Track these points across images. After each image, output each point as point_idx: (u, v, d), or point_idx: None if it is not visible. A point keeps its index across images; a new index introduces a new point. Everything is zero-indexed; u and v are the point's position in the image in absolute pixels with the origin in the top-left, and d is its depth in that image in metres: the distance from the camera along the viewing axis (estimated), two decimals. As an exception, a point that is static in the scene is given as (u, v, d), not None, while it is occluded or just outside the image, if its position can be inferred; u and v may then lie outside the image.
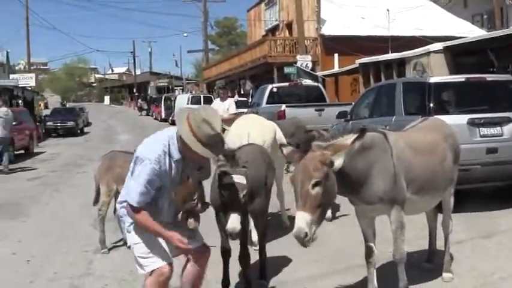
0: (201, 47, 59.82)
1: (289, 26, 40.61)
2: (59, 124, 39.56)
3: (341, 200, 6.75)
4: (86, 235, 9.15)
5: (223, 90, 16.95)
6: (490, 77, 11.08)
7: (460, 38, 22.37)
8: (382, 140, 5.25)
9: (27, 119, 25.99)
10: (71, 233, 9.52)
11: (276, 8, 43.39)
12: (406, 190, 5.32)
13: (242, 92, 43.77)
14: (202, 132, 4.32)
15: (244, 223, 5.57)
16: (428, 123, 6.45)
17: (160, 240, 4.57)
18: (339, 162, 4.70)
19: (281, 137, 8.76)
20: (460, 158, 6.43)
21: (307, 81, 24.45)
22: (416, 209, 5.81)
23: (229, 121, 15.16)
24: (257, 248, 6.83)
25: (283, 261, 7.22)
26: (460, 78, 10.67)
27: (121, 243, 8.38)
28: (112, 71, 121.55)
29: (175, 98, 48.17)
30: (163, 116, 49.02)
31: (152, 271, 4.54)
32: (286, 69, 32.31)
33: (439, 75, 14.66)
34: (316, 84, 23.72)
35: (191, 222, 4.77)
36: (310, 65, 32.05)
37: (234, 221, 5.21)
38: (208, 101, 32.86)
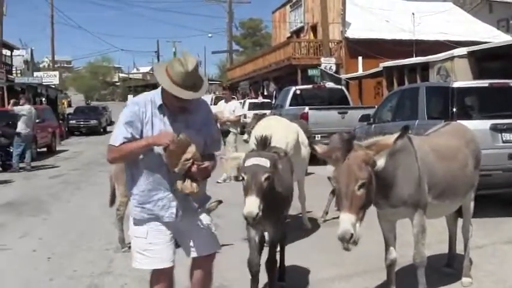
0: (226, 47, 60.11)
1: (313, 28, 40.57)
2: (82, 122, 39.99)
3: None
4: (107, 233, 9.15)
5: (226, 91, 16.98)
6: (513, 83, 10.98)
7: (485, 43, 22.22)
8: (407, 143, 5.22)
9: (50, 117, 26.21)
10: (92, 231, 9.57)
11: (301, 10, 43.37)
12: (428, 194, 5.30)
13: (266, 94, 43.78)
14: (175, 71, 4.13)
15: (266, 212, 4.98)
16: (451, 128, 6.41)
17: (161, 240, 4.39)
18: (381, 162, 4.59)
19: (304, 139, 8.73)
20: (482, 163, 6.39)
21: (331, 84, 24.45)
22: (436, 213, 5.76)
23: (236, 123, 15.24)
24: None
25: (303, 264, 7.18)
26: (483, 83, 10.64)
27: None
28: (137, 70, 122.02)
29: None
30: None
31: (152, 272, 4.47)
32: (310, 72, 32.37)
33: (463, 80, 14.64)
34: (339, 87, 23.74)
35: (186, 185, 4.21)
36: (334, 67, 32.05)
37: (251, 205, 4.76)
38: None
